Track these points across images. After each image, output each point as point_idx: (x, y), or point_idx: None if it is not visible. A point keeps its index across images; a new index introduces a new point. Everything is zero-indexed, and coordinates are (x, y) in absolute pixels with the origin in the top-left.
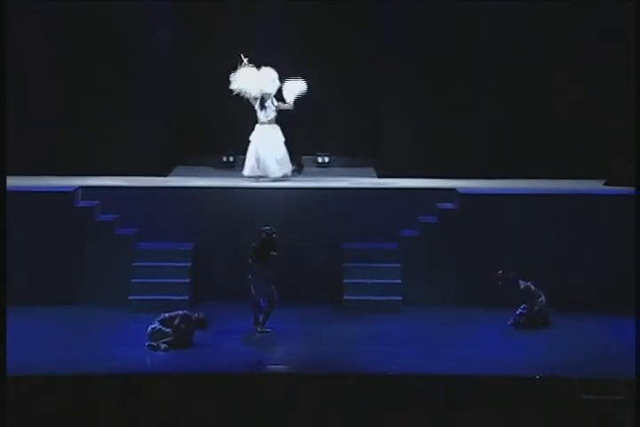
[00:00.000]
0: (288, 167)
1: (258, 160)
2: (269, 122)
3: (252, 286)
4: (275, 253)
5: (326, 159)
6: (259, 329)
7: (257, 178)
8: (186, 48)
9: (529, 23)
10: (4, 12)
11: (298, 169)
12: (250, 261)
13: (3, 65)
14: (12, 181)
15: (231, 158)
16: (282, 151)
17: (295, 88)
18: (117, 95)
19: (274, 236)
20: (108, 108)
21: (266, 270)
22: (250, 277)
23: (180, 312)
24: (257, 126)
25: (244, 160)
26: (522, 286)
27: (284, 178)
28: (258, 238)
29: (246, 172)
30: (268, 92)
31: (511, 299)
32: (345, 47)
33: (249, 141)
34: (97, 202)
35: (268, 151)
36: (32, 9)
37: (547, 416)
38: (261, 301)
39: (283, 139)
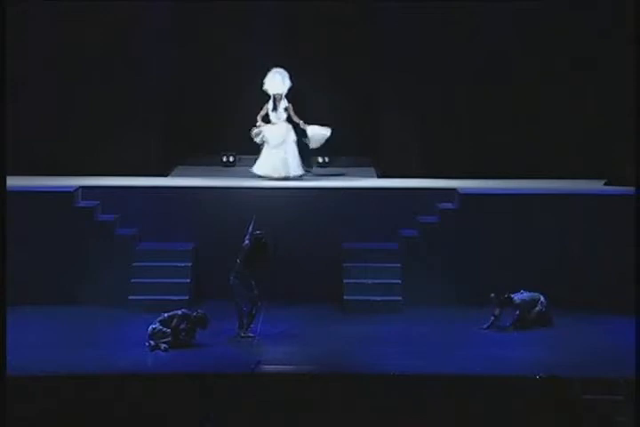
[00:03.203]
0: (299, 168)
1: (270, 159)
2: (281, 122)
3: (233, 289)
4: (263, 259)
5: (326, 159)
6: (242, 334)
7: (278, 178)
8: (186, 48)
9: (529, 23)
10: (4, 12)
11: (309, 170)
12: (238, 261)
13: (3, 65)
14: (12, 181)
15: (231, 158)
16: (293, 151)
17: (320, 136)
18: (117, 95)
19: (263, 240)
20: (107, 108)
21: (251, 275)
22: (231, 278)
23: (179, 312)
24: (268, 126)
25: (243, 160)
26: (517, 302)
27: (295, 178)
28: (250, 241)
29: (259, 171)
30: (279, 92)
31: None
32: (345, 47)
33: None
34: (97, 202)
35: (277, 151)
36: (32, 9)
37: (547, 416)
38: (243, 305)
39: (295, 137)
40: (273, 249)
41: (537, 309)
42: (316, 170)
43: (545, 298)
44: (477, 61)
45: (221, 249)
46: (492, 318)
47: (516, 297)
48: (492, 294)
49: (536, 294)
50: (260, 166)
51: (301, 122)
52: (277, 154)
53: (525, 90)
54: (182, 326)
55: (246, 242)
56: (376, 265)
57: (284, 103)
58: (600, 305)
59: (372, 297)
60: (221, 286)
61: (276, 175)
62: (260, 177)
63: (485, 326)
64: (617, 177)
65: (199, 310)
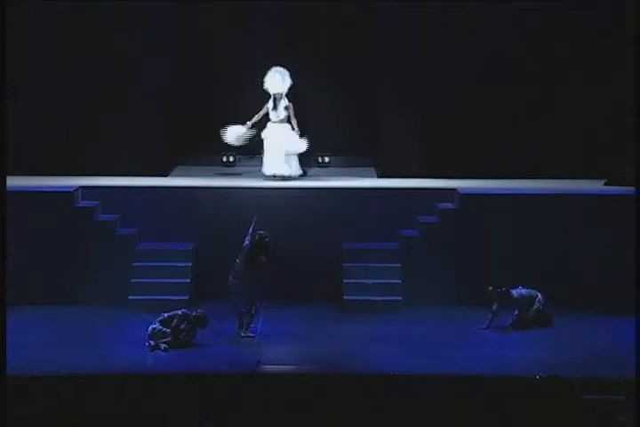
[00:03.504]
0: (297, 168)
1: (272, 158)
2: (280, 121)
3: (231, 289)
4: (264, 259)
5: (326, 159)
6: (242, 334)
7: (276, 177)
8: (186, 48)
9: (529, 23)
10: (4, 12)
11: (305, 172)
12: (237, 261)
13: (3, 65)
14: (12, 181)
15: (231, 158)
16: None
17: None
18: (117, 95)
19: (266, 240)
20: (107, 107)
21: (251, 275)
22: (231, 278)
23: (179, 312)
24: (268, 124)
25: (244, 160)
26: (515, 295)
27: (291, 178)
28: (251, 240)
29: (267, 171)
30: (280, 91)
31: (507, 309)
32: (345, 47)
33: (261, 140)
34: (97, 202)
35: (278, 150)
36: (32, 9)
37: (547, 416)
38: (242, 305)
39: (293, 138)
40: (273, 249)
41: (535, 307)
42: (315, 170)
43: (543, 296)
44: (477, 61)
45: (221, 249)
46: (491, 315)
47: (514, 292)
48: (490, 288)
49: (534, 291)
50: (266, 167)
51: (296, 129)
52: (278, 153)
53: (525, 90)
54: (182, 326)
55: (246, 243)
56: (376, 265)
57: (284, 102)
58: (600, 305)
59: (372, 297)
60: (221, 286)
61: (278, 173)
62: (266, 177)
63: (484, 325)
64: (617, 177)
65: (198, 310)
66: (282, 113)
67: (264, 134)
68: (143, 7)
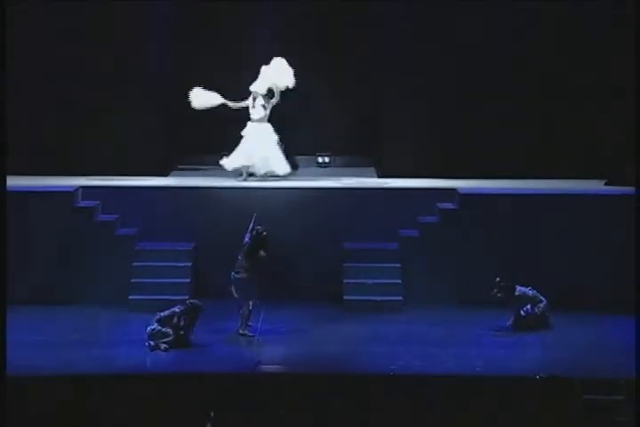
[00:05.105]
0: (283, 166)
1: (245, 155)
2: (259, 120)
3: (234, 286)
4: (263, 254)
5: (326, 159)
6: (240, 331)
7: (243, 174)
8: (186, 48)
9: (529, 24)
10: (4, 12)
11: (293, 169)
12: (239, 258)
13: (3, 65)
14: (12, 181)
15: None
16: (271, 150)
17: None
18: (117, 95)
19: (264, 234)
20: (108, 108)
21: (252, 270)
22: (233, 274)
23: (176, 309)
24: (248, 123)
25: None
26: (517, 293)
27: (271, 176)
28: (250, 236)
29: (227, 164)
30: (256, 90)
31: (506, 306)
32: (345, 47)
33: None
34: (97, 202)
35: (257, 148)
36: (32, 9)
37: (547, 416)
38: (243, 302)
39: (274, 137)
40: (271, 245)
41: (535, 311)
42: (315, 170)
43: (546, 304)
44: (478, 61)
45: (221, 249)
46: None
47: (519, 289)
48: (498, 278)
49: (540, 296)
50: (230, 161)
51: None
52: (258, 152)
53: (526, 90)
54: (182, 323)
55: (246, 240)
56: (376, 265)
57: (260, 101)
58: (600, 305)
59: (373, 297)
60: (221, 285)
61: (258, 172)
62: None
63: (508, 323)
64: (617, 177)
65: (190, 301)
66: (260, 112)
67: (244, 132)
68: (143, 7)
